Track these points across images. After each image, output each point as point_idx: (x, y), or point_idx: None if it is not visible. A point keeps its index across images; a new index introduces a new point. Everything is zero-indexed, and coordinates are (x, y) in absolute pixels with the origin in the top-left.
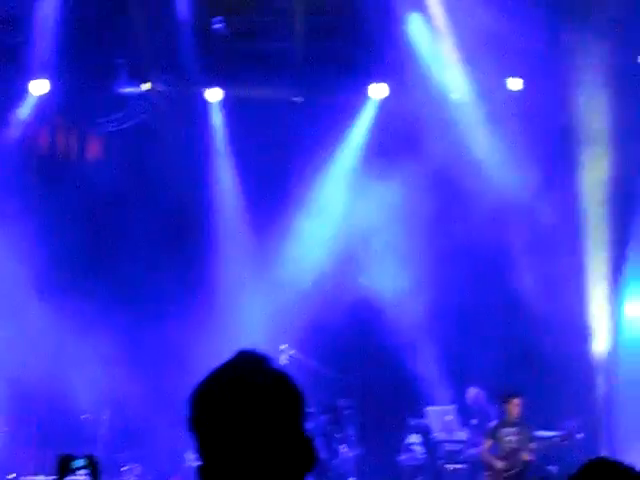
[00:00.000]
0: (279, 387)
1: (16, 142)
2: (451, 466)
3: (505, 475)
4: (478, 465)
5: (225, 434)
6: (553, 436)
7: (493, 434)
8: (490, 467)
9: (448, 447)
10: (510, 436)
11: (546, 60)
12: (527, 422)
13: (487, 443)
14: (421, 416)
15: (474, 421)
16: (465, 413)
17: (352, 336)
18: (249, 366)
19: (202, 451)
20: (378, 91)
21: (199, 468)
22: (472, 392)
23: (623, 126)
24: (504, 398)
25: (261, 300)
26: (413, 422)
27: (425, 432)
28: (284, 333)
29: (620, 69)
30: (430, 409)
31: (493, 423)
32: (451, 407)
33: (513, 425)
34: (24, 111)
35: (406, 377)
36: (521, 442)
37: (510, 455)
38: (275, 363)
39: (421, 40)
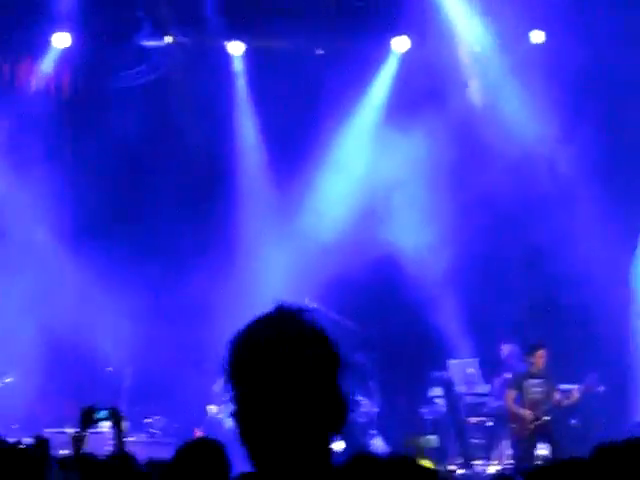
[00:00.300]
0: (318, 342)
1: (41, 91)
2: (473, 419)
3: (530, 426)
4: (500, 418)
5: (260, 383)
6: (574, 389)
7: (518, 385)
8: (515, 418)
9: (470, 400)
10: (535, 387)
11: (568, 13)
12: (552, 374)
13: (511, 394)
14: (443, 369)
15: (507, 375)
16: (488, 366)
17: (374, 290)
18: (291, 318)
19: (237, 397)
20: (401, 44)
21: (233, 414)
22: (506, 348)
23: None
24: (529, 350)
25: (283, 254)
26: (435, 375)
27: (447, 385)
28: (306, 286)
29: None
30: (452, 362)
31: (518, 374)
32: (473, 360)
33: (538, 377)
34: (47, 63)
35: (428, 330)
36: (545, 394)
37: (534, 406)
38: (315, 319)
39: None
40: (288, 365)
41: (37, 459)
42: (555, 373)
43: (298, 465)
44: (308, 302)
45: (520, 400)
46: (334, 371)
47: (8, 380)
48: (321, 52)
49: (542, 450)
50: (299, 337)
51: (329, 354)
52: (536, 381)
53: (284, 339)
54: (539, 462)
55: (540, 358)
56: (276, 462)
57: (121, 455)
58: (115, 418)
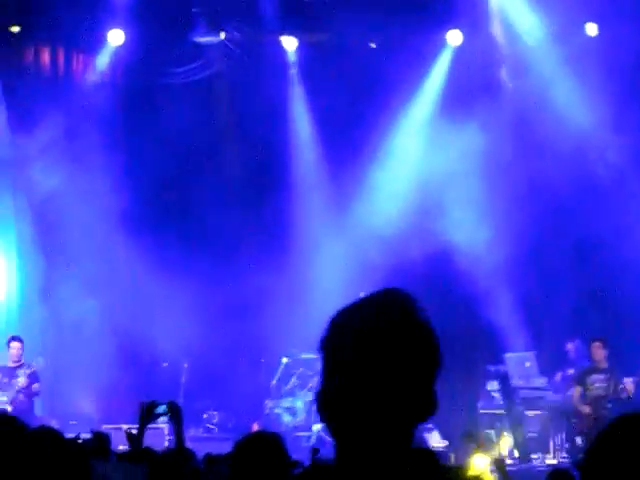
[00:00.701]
0: (422, 331)
1: (97, 85)
2: (530, 412)
3: (590, 422)
4: (557, 411)
5: (354, 364)
6: (628, 382)
7: (582, 380)
8: (576, 413)
9: (527, 393)
10: (597, 383)
11: (623, 5)
12: (616, 369)
13: (577, 390)
14: (500, 363)
15: (570, 371)
16: (544, 359)
17: (429, 284)
18: (398, 303)
19: (325, 376)
20: (454, 37)
21: (318, 393)
22: (571, 344)
23: None
24: (590, 344)
25: (338, 247)
26: (492, 369)
27: (504, 379)
28: (361, 279)
29: None
30: (509, 356)
31: (581, 370)
32: (530, 353)
33: (602, 372)
34: (103, 59)
35: (484, 324)
36: (608, 389)
37: (596, 402)
38: (423, 309)
39: None
40: (388, 350)
41: (82, 452)
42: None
43: (380, 453)
44: (362, 296)
45: (583, 396)
46: (433, 364)
47: (39, 362)
48: (374, 46)
49: None
50: (403, 323)
51: (430, 345)
52: (599, 376)
53: (384, 321)
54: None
55: (597, 350)
56: (356, 445)
57: (180, 450)
58: (174, 413)
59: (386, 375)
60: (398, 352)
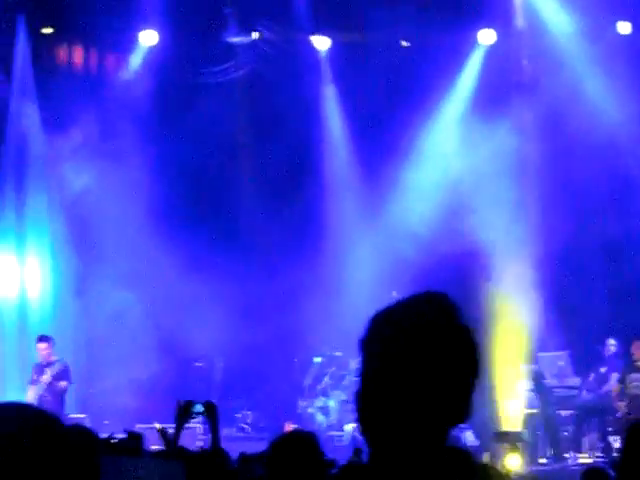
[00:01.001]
0: (461, 335)
1: (130, 85)
2: (564, 412)
3: (625, 421)
4: (591, 411)
5: (393, 365)
6: None
7: (622, 378)
8: (612, 411)
9: (561, 393)
10: (636, 382)
11: None
12: None
13: (616, 388)
14: (533, 362)
15: (603, 369)
16: (577, 358)
17: (461, 284)
18: (439, 306)
19: (364, 377)
20: (487, 37)
21: (356, 393)
22: (609, 343)
23: None
24: (626, 342)
25: (371, 246)
26: (525, 368)
27: (538, 378)
28: (393, 279)
29: None
30: (542, 355)
31: (624, 369)
32: (563, 353)
33: (634, 370)
34: (135, 59)
35: (517, 324)
36: (633, 389)
37: (633, 400)
38: (464, 314)
39: None
40: (427, 353)
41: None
42: None
43: (414, 454)
44: (395, 295)
45: (622, 394)
46: (472, 369)
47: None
48: (406, 44)
49: None
50: (444, 326)
51: (471, 350)
52: (638, 375)
53: (428, 326)
54: None
55: (637, 349)
56: (391, 447)
57: (216, 450)
58: (210, 412)
59: (424, 378)
60: (437, 356)
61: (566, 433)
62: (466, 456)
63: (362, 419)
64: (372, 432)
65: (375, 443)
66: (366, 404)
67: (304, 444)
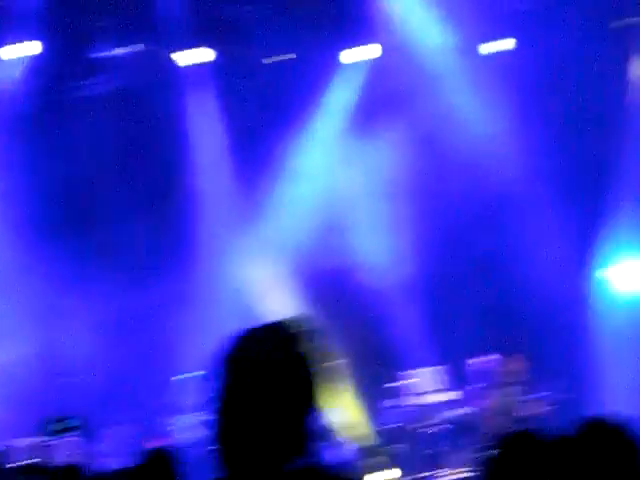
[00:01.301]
0: (295, 365)
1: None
2: (435, 427)
3: (498, 434)
4: (463, 426)
5: (238, 389)
6: (536, 397)
7: (494, 394)
8: (486, 426)
9: (429, 409)
10: (507, 397)
11: (530, 23)
12: (522, 384)
13: (490, 403)
14: (403, 378)
15: (476, 385)
16: (449, 375)
17: (333, 301)
18: (283, 336)
19: (218, 395)
20: (370, 52)
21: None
22: (475, 359)
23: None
24: (501, 359)
25: (242, 263)
26: (394, 385)
27: (406, 394)
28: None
29: None
30: (415, 372)
31: (490, 385)
32: (435, 369)
33: (513, 385)
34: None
35: (388, 341)
36: (516, 403)
37: (504, 415)
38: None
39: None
40: (264, 381)
41: None
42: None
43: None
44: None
45: (496, 408)
46: (304, 395)
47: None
48: (285, 59)
49: None
50: (278, 358)
51: (301, 380)
52: (511, 389)
53: (265, 355)
54: None
55: (513, 365)
56: (245, 464)
57: (72, 465)
58: (83, 427)
59: (262, 405)
60: (272, 385)
61: (436, 449)
62: (323, 473)
63: (218, 437)
64: (227, 449)
65: (230, 460)
66: (221, 423)
67: (164, 461)
